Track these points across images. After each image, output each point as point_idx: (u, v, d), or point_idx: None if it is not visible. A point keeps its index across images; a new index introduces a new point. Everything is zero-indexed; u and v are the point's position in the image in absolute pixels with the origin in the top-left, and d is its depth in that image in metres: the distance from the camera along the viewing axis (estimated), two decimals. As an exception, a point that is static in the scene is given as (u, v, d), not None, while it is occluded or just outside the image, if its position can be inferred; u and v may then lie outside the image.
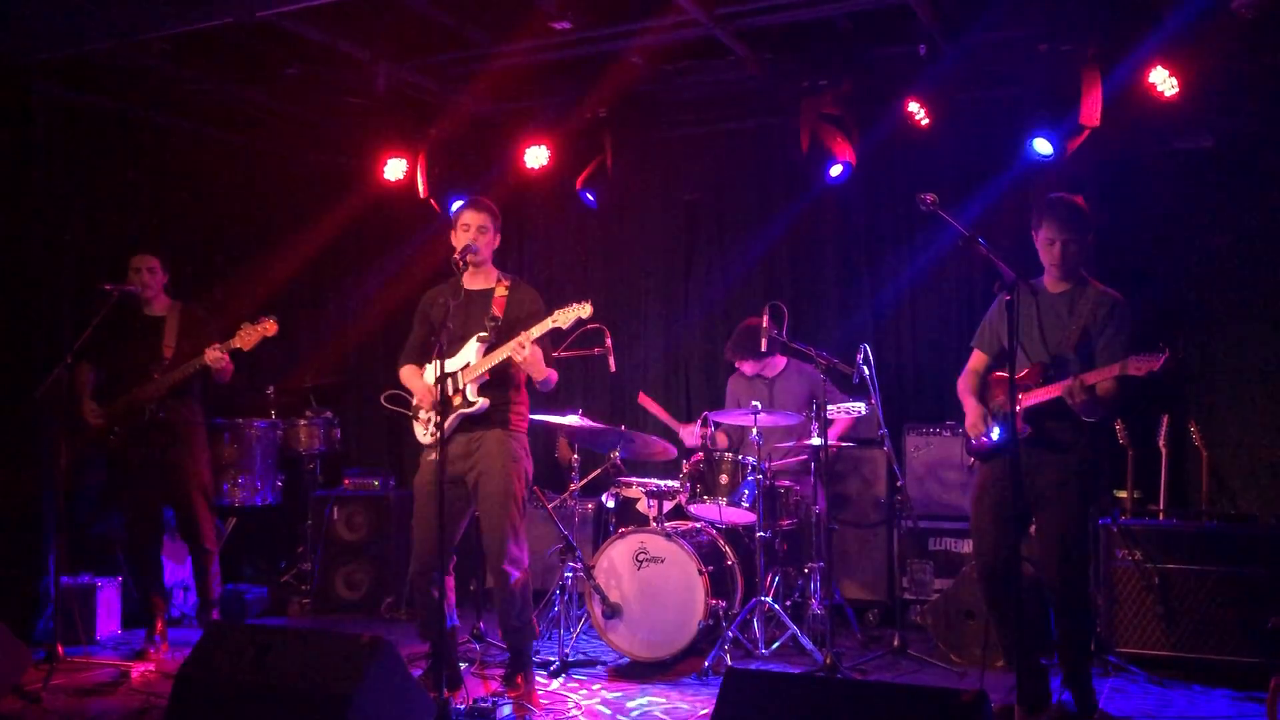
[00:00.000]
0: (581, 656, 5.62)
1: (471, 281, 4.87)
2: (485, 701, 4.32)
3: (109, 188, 6.75)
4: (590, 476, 6.20)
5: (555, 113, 6.87)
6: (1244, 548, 5.02)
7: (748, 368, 6.27)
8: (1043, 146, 5.90)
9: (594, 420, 5.96)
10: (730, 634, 5.32)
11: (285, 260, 7.32)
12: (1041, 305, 4.40)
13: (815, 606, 5.70)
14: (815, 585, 5.74)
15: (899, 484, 5.91)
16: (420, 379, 4.87)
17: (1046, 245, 4.36)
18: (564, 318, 4.62)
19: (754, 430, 5.61)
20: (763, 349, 5.96)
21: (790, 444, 6.01)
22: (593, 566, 5.46)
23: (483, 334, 4.72)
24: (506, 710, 4.39)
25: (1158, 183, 6.31)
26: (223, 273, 7.31)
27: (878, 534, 6.43)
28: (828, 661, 5.04)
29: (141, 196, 6.93)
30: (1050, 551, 4.30)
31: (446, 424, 4.71)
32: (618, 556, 5.47)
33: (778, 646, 5.54)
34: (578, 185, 7.02)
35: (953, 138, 6.44)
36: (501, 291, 4.82)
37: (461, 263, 4.59)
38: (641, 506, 6.05)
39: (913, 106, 6.20)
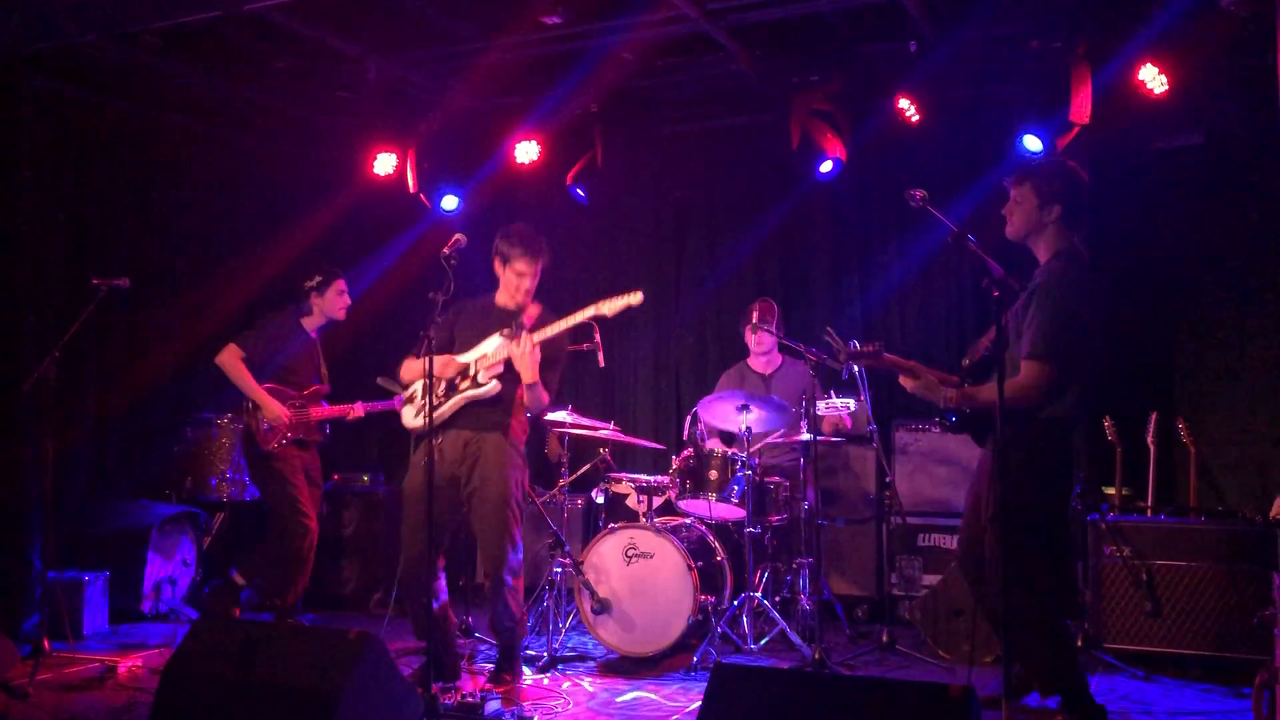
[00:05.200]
0: (570, 652, 5.62)
1: (502, 298, 4.88)
2: (473, 696, 4.32)
3: (97, 181, 6.72)
4: (580, 472, 6.20)
5: (546, 108, 6.85)
6: (1231, 544, 5.04)
7: (764, 341, 6.25)
8: (1033, 143, 5.91)
9: (584, 416, 5.96)
10: (719, 629, 5.33)
11: (274, 255, 7.28)
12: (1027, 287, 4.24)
13: (804, 602, 5.70)
14: (804, 581, 5.75)
15: (888, 480, 5.92)
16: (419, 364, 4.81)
17: None
18: (610, 306, 4.58)
19: (743, 425, 5.61)
20: (772, 329, 6.02)
21: (781, 440, 6.01)
22: (582, 562, 5.46)
23: (506, 330, 4.71)
24: (494, 705, 4.38)
25: (1147, 180, 6.33)
26: (211, 268, 7.28)
27: (867, 530, 6.44)
28: (816, 657, 5.05)
29: (129, 190, 6.90)
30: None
31: (449, 406, 4.70)
32: (607, 552, 5.46)
33: (766, 642, 5.55)
34: (568, 181, 7.01)
35: (943, 134, 6.45)
36: (533, 310, 4.84)
37: (452, 259, 4.56)
38: (631, 502, 6.05)
39: (903, 103, 6.20)
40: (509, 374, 4.68)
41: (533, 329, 4.68)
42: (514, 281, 4.79)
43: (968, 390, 4.13)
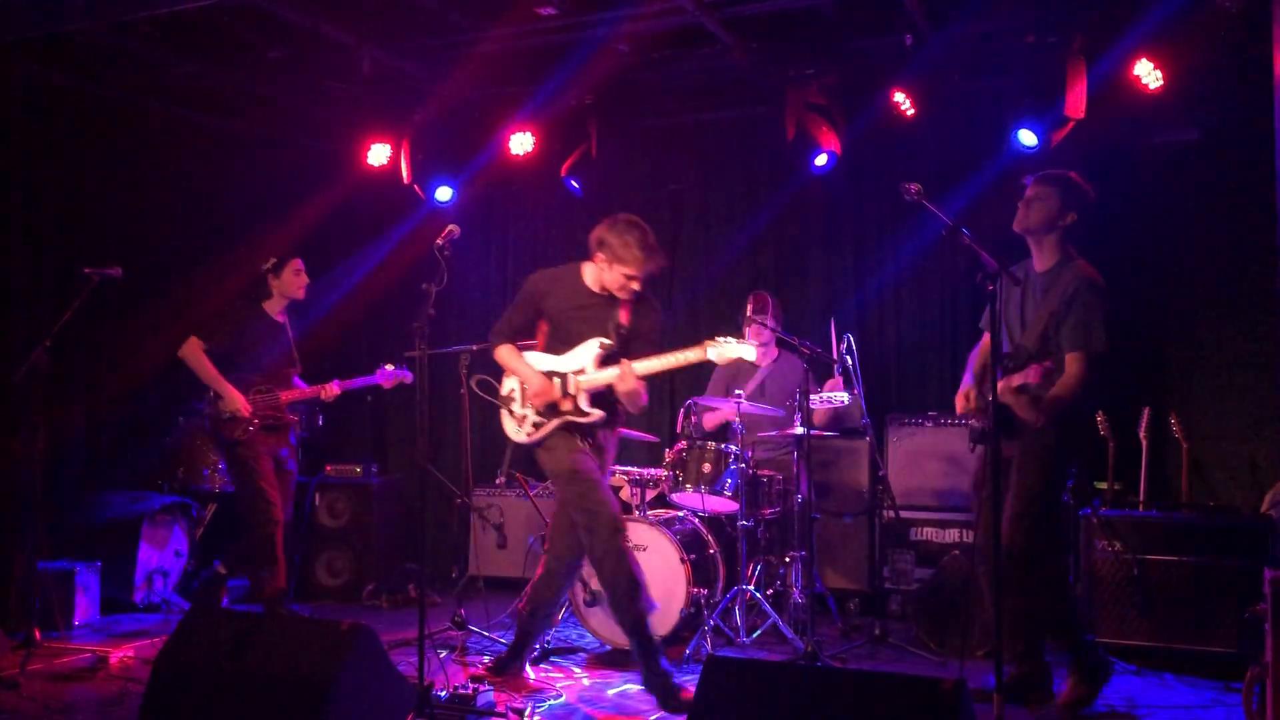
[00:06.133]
0: (562, 643, 5.62)
1: (594, 280, 4.68)
2: (465, 688, 4.31)
3: (88, 170, 6.69)
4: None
5: (540, 99, 6.84)
6: (1222, 539, 5.04)
7: (759, 334, 6.22)
8: (1027, 138, 5.92)
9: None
10: (711, 622, 5.33)
11: (267, 245, 7.24)
12: (1027, 288, 4.40)
13: (796, 595, 5.71)
14: (796, 574, 5.75)
15: (881, 474, 5.92)
16: (525, 363, 4.64)
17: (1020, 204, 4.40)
18: (719, 353, 4.38)
19: (736, 418, 5.61)
20: (768, 322, 5.98)
21: (774, 434, 6.01)
22: (575, 554, 5.45)
23: (605, 340, 4.56)
24: (487, 697, 4.37)
25: (1142, 175, 6.33)
26: (204, 257, 7.26)
27: (859, 524, 6.45)
28: (808, 650, 5.05)
29: (121, 180, 6.87)
30: (1004, 531, 4.32)
31: (550, 427, 4.60)
32: (600, 544, 5.45)
33: (759, 635, 5.55)
34: (563, 173, 7.00)
35: (938, 128, 6.45)
36: (625, 299, 4.66)
37: (445, 250, 4.52)
38: (624, 494, 6.03)
39: (898, 96, 6.20)
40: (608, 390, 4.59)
41: (629, 327, 4.52)
42: (617, 280, 4.56)
43: (1048, 398, 4.23)
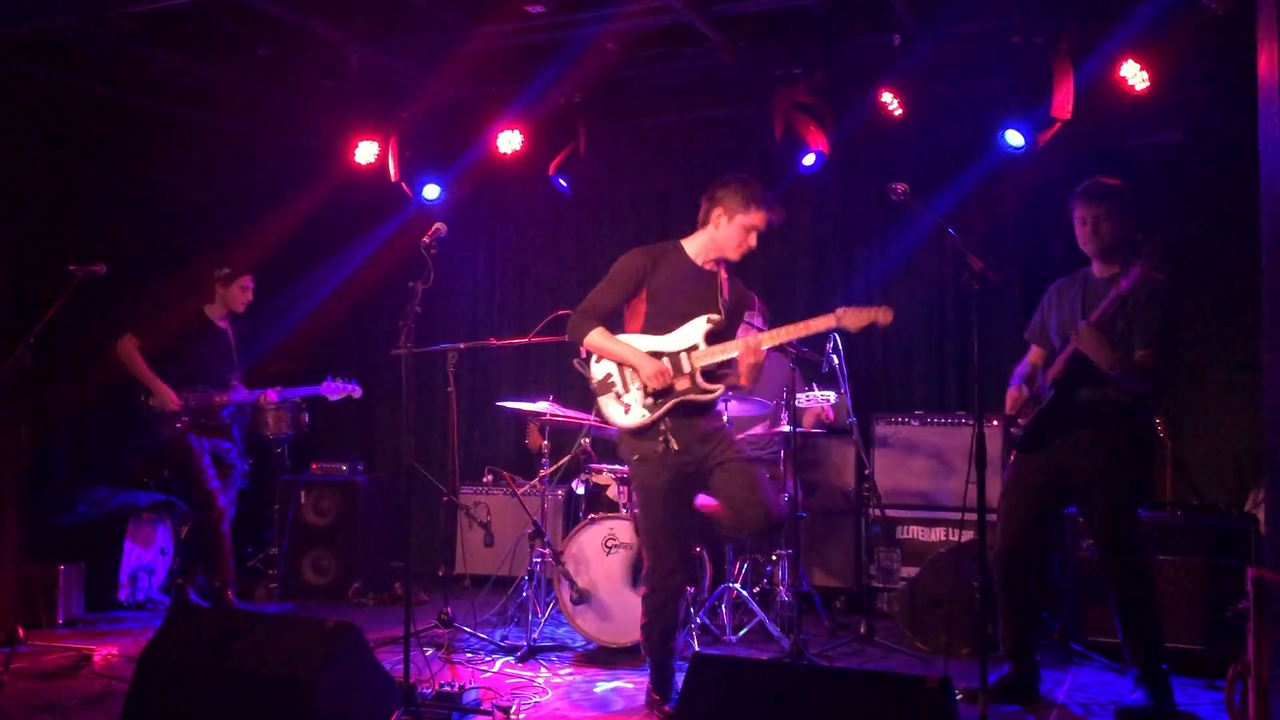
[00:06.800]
0: (549, 642, 5.61)
1: (698, 253, 4.35)
2: (451, 686, 4.31)
3: (74, 166, 6.66)
4: (560, 463, 6.19)
5: (529, 97, 6.84)
6: (1206, 538, 5.07)
7: (746, 333, 6.17)
8: (1014, 138, 5.94)
9: (566, 408, 5.94)
10: (698, 620, 5.34)
11: (254, 243, 7.24)
12: (1088, 291, 4.43)
13: (783, 594, 5.72)
14: (783, 572, 5.77)
15: (867, 473, 5.93)
16: (628, 346, 4.26)
17: (1080, 226, 4.43)
18: (853, 319, 4.11)
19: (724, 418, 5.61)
20: (755, 321, 5.96)
21: (760, 432, 6.02)
22: (562, 552, 5.45)
23: (715, 315, 4.28)
24: (473, 695, 4.37)
25: (1127, 176, 6.26)
26: (189, 255, 7.22)
27: (846, 522, 6.46)
28: (794, 648, 5.06)
29: (107, 176, 6.84)
30: (1098, 545, 4.44)
31: (667, 407, 4.24)
32: (587, 542, 5.46)
33: (745, 633, 5.56)
34: (551, 171, 7.00)
35: (926, 128, 6.46)
36: (722, 274, 4.39)
37: (432, 248, 4.49)
38: (612, 493, 6.04)
39: (886, 96, 6.21)
40: (723, 365, 4.31)
41: (730, 301, 4.27)
42: (735, 237, 4.24)
43: (1135, 360, 4.27)
